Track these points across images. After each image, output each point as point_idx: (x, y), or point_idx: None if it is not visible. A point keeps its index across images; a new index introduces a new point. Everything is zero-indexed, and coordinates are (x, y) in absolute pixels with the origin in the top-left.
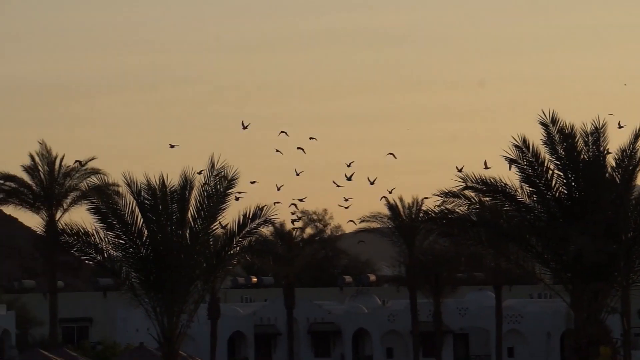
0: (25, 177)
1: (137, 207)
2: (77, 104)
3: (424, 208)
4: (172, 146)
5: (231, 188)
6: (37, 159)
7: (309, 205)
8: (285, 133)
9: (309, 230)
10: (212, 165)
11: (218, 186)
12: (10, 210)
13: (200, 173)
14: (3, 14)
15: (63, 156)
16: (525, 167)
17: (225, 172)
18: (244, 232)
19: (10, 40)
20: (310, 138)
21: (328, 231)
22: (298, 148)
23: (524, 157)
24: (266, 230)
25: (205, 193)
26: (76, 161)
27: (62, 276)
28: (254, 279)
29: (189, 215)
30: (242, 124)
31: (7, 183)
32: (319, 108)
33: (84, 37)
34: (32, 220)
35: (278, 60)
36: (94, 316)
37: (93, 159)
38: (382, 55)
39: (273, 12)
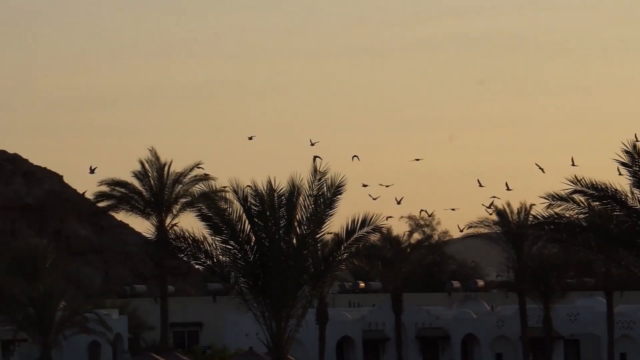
0: (136, 183)
1: (244, 213)
2: (184, 110)
3: (532, 213)
4: (250, 138)
5: (339, 194)
6: (146, 165)
7: (417, 211)
8: (251, 137)
9: (416, 236)
10: (315, 170)
11: (324, 191)
12: (121, 216)
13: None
14: (110, 21)
15: (171, 162)
16: (637, 171)
17: (332, 177)
18: (352, 238)
19: (117, 49)
20: (354, 156)
21: (436, 236)
22: (354, 157)
23: (634, 162)
24: (374, 235)
25: (311, 198)
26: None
27: (172, 281)
28: (362, 284)
29: (296, 220)
30: (249, 137)
31: (118, 189)
32: (427, 112)
33: (187, 44)
34: (143, 226)
35: (385, 65)
36: (204, 320)
37: (200, 164)
38: (495, 59)
39: (380, 18)
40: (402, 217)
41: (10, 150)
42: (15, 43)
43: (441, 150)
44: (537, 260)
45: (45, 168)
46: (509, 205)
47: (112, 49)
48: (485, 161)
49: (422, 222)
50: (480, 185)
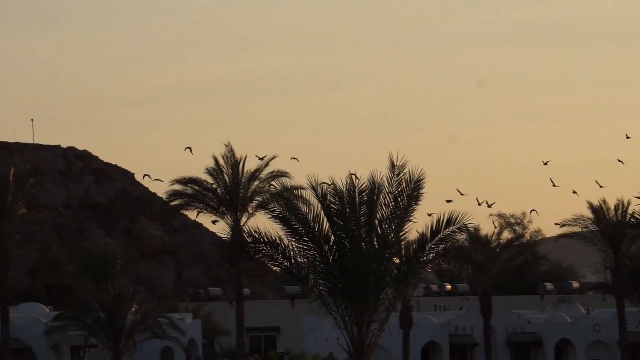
0: (210, 180)
1: (322, 212)
2: (258, 104)
3: (629, 211)
4: (188, 149)
5: (419, 189)
6: (221, 161)
7: (507, 208)
8: (190, 149)
9: (506, 235)
10: (392, 165)
11: (404, 187)
12: (194, 215)
13: (261, 159)
14: (188, 15)
15: (245, 157)
16: None
17: (410, 172)
18: (437, 238)
19: (187, 42)
20: (292, 158)
21: (527, 235)
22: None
23: None
24: (460, 235)
25: (391, 195)
26: (260, 158)
27: (248, 283)
28: (448, 286)
29: (377, 219)
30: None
31: (191, 186)
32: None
33: (261, 37)
34: (217, 226)
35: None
36: (281, 325)
37: (274, 157)
38: (579, 50)
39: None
40: (490, 215)
41: (80, 147)
42: (85, 37)
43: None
44: (636, 261)
45: (115, 165)
46: (604, 202)
47: (182, 42)
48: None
49: (513, 221)
50: (554, 185)
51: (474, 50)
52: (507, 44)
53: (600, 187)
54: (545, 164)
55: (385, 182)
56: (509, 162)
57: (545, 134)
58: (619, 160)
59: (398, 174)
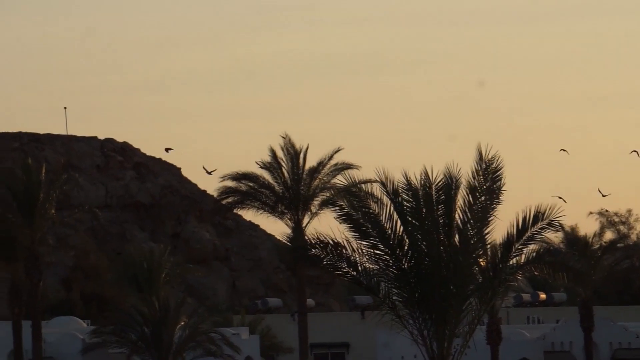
0: (266, 175)
1: (395, 211)
2: (317, 90)
3: None
4: (167, 150)
5: (499, 180)
6: (279, 153)
7: (611, 205)
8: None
9: (609, 235)
10: (480, 157)
11: (488, 183)
12: (249, 215)
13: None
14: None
15: (307, 149)
16: None
17: (496, 165)
18: (524, 237)
19: (237, 23)
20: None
21: (633, 236)
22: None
23: None
24: (555, 237)
25: (473, 192)
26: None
27: (312, 293)
28: (543, 296)
29: (457, 219)
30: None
31: (244, 182)
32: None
33: (315, 14)
34: (275, 227)
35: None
36: (350, 340)
37: (339, 150)
38: None
39: None
40: (590, 212)
41: (119, 139)
42: (126, 15)
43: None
44: None
45: (160, 159)
46: None
47: (227, 24)
48: None
49: (617, 219)
50: (603, 195)
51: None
52: None
53: None
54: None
55: (471, 176)
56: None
57: None
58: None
59: (486, 168)
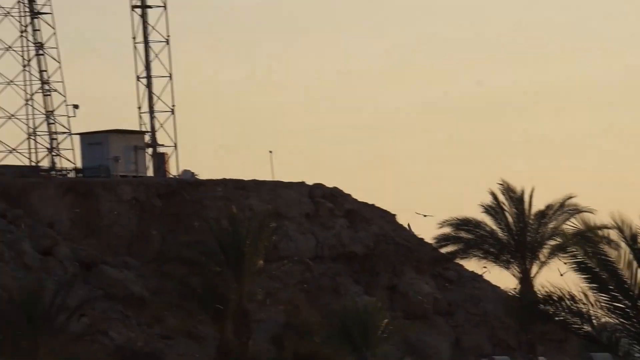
0: (487, 220)
1: (633, 259)
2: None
3: None
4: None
5: None
6: (500, 197)
7: None
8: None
9: None
10: None
11: None
12: (472, 265)
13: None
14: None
15: (532, 192)
16: None
17: None
18: None
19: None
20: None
21: None
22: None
23: None
24: None
25: None
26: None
27: (544, 351)
28: None
29: None
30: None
31: (464, 228)
32: None
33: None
34: (500, 278)
35: None
36: None
37: (571, 197)
38: None
39: None
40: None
41: (328, 184)
42: (336, 46)
43: None
44: None
45: (372, 205)
46: None
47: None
48: None
49: None
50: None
51: None
52: None
53: None
54: None
55: None
56: None
57: None
58: None
59: None
